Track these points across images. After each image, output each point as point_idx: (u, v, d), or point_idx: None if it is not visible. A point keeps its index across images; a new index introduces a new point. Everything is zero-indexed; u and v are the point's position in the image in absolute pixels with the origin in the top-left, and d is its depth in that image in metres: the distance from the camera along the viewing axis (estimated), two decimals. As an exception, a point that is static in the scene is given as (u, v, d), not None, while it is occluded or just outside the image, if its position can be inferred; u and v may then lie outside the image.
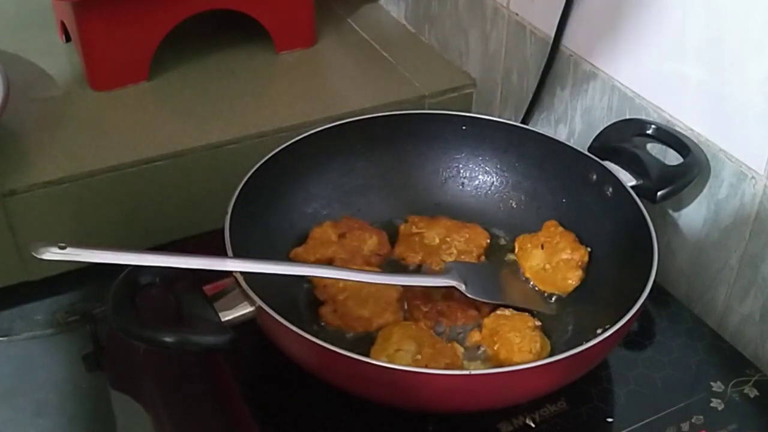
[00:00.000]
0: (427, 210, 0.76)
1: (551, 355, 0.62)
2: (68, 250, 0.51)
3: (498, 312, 0.66)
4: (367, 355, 0.61)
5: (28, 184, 0.77)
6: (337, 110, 0.88)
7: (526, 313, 0.65)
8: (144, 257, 0.55)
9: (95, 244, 0.53)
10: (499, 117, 0.90)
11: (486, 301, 0.66)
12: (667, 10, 0.68)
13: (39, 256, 0.51)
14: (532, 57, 0.85)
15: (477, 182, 0.78)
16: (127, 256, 0.54)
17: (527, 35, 0.84)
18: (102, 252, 0.53)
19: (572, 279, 0.68)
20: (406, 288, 0.67)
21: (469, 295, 0.65)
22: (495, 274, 0.70)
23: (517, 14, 0.85)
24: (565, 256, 0.69)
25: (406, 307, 0.67)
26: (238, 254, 0.60)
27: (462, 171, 0.78)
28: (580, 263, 0.69)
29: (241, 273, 0.58)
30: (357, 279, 0.63)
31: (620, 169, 0.70)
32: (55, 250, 0.51)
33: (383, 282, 0.64)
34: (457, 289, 0.65)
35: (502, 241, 0.75)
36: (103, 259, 0.53)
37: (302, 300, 0.68)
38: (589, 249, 0.69)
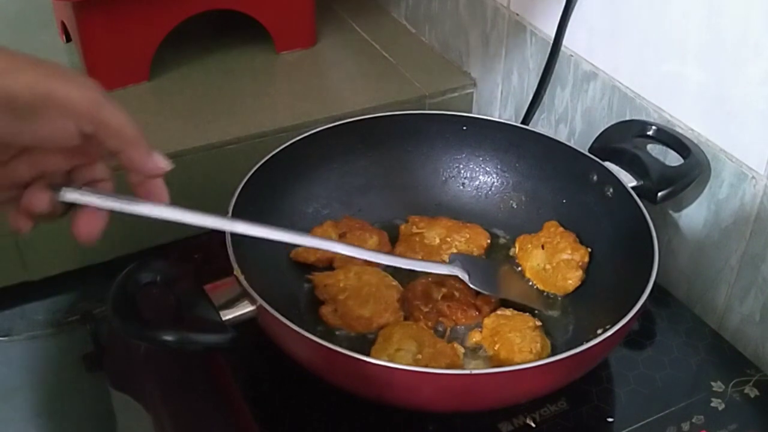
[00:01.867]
0: (427, 210, 0.76)
1: (552, 355, 0.62)
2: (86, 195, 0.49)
3: (498, 312, 0.66)
4: (367, 355, 0.61)
5: (29, 183, 0.77)
6: (337, 110, 0.88)
7: (527, 314, 0.65)
8: (154, 209, 0.52)
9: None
10: (500, 117, 0.90)
11: (488, 293, 0.66)
12: (667, 10, 0.68)
13: (61, 200, 0.48)
14: (532, 57, 0.85)
15: (477, 182, 0.78)
16: (139, 207, 0.52)
17: (527, 35, 0.84)
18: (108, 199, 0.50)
19: (573, 279, 0.68)
20: (407, 288, 0.67)
21: (471, 285, 0.65)
22: (495, 272, 0.70)
23: (517, 14, 0.85)
24: (565, 256, 0.69)
25: (405, 308, 0.67)
26: (239, 254, 0.60)
27: (462, 171, 0.78)
28: (580, 263, 0.69)
29: (243, 273, 0.58)
30: (363, 257, 0.62)
31: (621, 169, 0.70)
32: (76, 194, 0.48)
33: (389, 263, 0.63)
34: (461, 279, 0.65)
35: (503, 241, 0.75)
36: (111, 206, 0.50)
37: (303, 300, 0.68)
38: (589, 249, 0.69)
